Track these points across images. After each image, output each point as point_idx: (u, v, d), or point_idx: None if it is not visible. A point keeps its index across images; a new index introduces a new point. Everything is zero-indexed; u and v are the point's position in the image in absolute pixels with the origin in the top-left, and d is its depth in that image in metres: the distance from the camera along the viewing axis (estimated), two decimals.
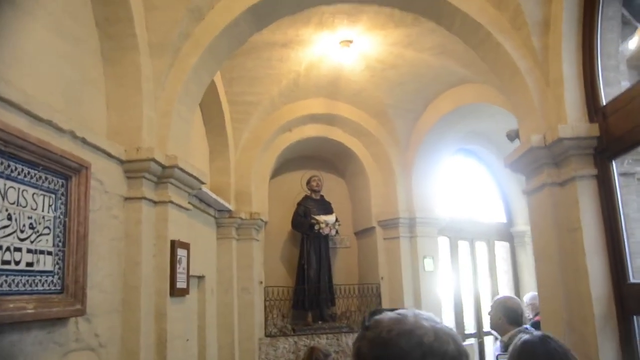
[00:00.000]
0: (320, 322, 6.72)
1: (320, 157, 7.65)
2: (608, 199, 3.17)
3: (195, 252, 4.91)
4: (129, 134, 3.41)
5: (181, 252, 3.65)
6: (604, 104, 3.26)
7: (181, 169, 3.59)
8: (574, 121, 3.32)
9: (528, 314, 6.51)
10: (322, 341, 6.28)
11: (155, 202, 3.52)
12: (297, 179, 7.39)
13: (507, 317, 3.51)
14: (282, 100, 6.43)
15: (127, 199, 3.33)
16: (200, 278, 5.24)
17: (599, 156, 3.23)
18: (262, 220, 6.21)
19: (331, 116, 6.76)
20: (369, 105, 6.69)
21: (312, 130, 6.85)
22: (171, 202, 3.57)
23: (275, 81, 6.03)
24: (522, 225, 8.72)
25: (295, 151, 7.14)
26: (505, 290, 8.76)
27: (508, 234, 8.90)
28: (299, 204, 7.11)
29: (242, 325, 5.86)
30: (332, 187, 7.60)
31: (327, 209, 7.07)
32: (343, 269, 7.50)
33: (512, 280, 8.80)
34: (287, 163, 7.48)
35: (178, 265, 3.56)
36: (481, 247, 8.44)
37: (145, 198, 3.37)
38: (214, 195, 5.19)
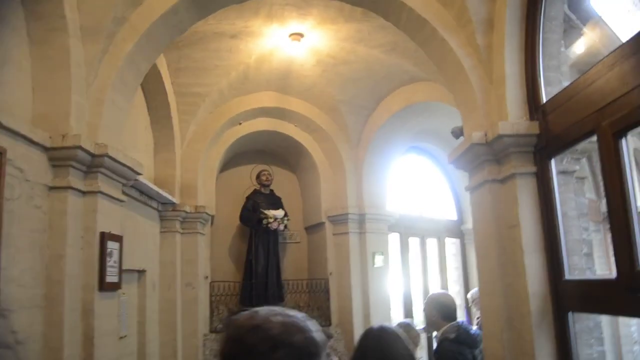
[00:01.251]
0: None
1: (271, 151, 7.54)
2: (546, 196, 3.18)
3: (134, 246, 4.77)
4: (55, 120, 3.22)
5: (112, 245, 3.48)
6: (544, 102, 3.27)
7: (112, 159, 3.42)
8: (514, 118, 3.32)
9: (475, 309, 6.61)
10: None
11: (83, 193, 3.34)
12: (247, 173, 7.26)
13: (441, 313, 3.56)
14: (232, 93, 6.29)
15: (51, 188, 3.15)
16: (141, 272, 5.06)
17: (538, 154, 3.24)
18: (207, 213, 6.05)
19: (282, 110, 6.65)
20: (320, 100, 6.62)
21: (262, 124, 6.72)
22: (101, 192, 3.39)
23: (224, 73, 5.87)
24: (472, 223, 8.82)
25: (245, 145, 7.00)
26: (455, 286, 8.87)
27: (458, 231, 9.00)
28: (247, 198, 6.98)
29: (185, 321, 5.69)
30: (282, 182, 7.50)
31: (276, 203, 6.97)
32: (292, 265, 7.42)
33: (462, 276, 8.90)
34: (237, 157, 7.34)
35: (108, 259, 3.40)
36: (432, 243, 8.50)
37: (71, 188, 3.19)
38: (155, 188, 5.01)
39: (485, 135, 3.40)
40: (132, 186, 4.54)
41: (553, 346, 3.08)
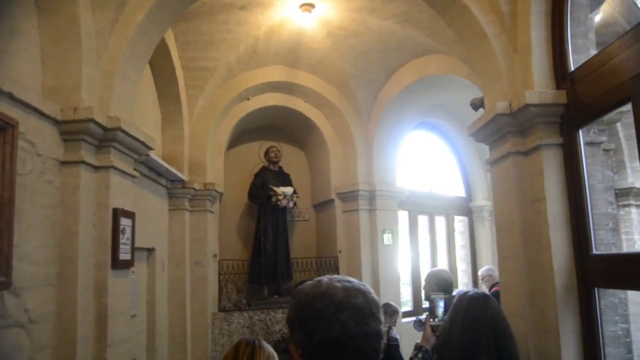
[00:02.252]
0: (276, 297, 6.56)
1: (280, 127, 7.41)
2: (573, 168, 3.07)
3: (144, 223, 4.68)
4: (66, 93, 3.10)
5: (125, 222, 3.38)
6: (572, 70, 3.14)
7: (125, 132, 3.30)
8: (540, 87, 3.20)
9: (484, 286, 6.55)
10: (277, 315, 6.12)
11: (95, 168, 3.23)
12: (255, 150, 7.15)
13: (439, 286, 3.70)
14: (240, 67, 6.13)
15: (63, 163, 3.04)
16: (150, 250, 4.98)
17: (565, 124, 3.12)
18: (216, 191, 5.95)
19: (291, 85, 6.50)
20: (330, 74, 6.46)
21: (271, 99, 6.57)
22: (113, 167, 3.28)
23: (233, 46, 5.72)
24: (481, 200, 8.76)
25: (253, 121, 6.86)
26: (462, 264, 8.84)
27: (467, 209, 8.92)
28: (256, 175, 6.87)
29: (194, 299, 5.63)
30: (291, 159, 7.38)
31: (285, 180, 6.87)
32: (301, 243, 7.34)
33: (470, 254, 8.85)
34: (245, 133, 7.21)
35: (121, 236, 3.30)
36: (440, 221, 8.43)
37: (84, 162, 3.08)
38: (165, 164, 4.90)
39: (510, 105, 3.29)
40: (141, 162, 4.43)
41: (577, 323, 3.00)
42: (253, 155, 7.13)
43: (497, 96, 3.50)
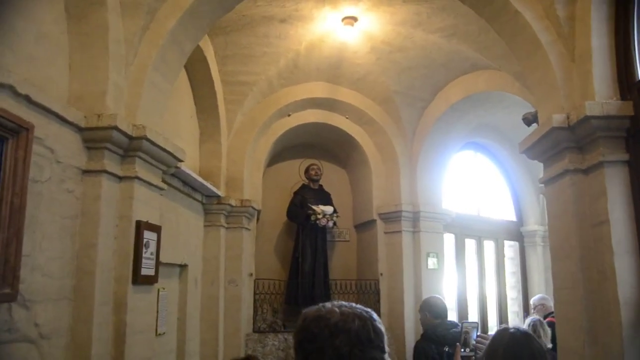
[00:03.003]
0: None
1: (321, 145, 7.21)
2: None
3: (176, 239, 4.55)
4: (91, 99, 3.00)
5: (149, 235, 3.23)
6: (639, 79, 2.80)
7: (151, 142, 3.17)
8: (602, 98, 2.86)
9: (536, 316, 6.09)
10: None
11: (120, 178, 3.11)
12: (295, 168, 6.96)
13: (431, 312, 3.76)
14: (281, 83, 6.00)
15: (85, 171, 2.92)
16: (182, 267, 4.83)
17: (631, 139, 2.78)
18: (253, 208, 5.78)
19: (333, 101, 6.31)
20: (374, 91, 6.24)
21: (312, 116, 6.40)
22: (138, 178, 3.15)
23: (273, 60, 5.59)
24: (533, 224, 8.27)
25: (293, 138, 6.70)
26: (512, 292, 8.32)
27: (518, 234, 8.43)
28: (295, 193, 6.68)
29: (228, 319, 5.44)
30: (332, 178, 7.16)
31: (325, 199, 6.64)
32: (340, 264, 7.07)
33: (521, 281, 8.33)
34: (286, 150, 7.05)
35: (144, 250, 3.15)
36: (489, 246, 7.97)
37: (106, 172, 2.95)
38: (199, 178, 4.77)
39: (568, 118, 2.96)
40: (174, 175, 4.33)
41: None
42: (293, 173, 6.95)
43: (552, 109, 3.18)
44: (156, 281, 3.37)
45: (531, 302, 6.94)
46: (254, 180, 6.07)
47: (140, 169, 3.18)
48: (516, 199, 8.53)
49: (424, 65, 5.75)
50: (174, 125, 4.81)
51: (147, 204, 3.30)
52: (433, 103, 6.22)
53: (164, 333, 4.33)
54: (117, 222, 3.07)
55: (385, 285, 6.39)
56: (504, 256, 8.17)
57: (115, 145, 3.01)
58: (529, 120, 3.68)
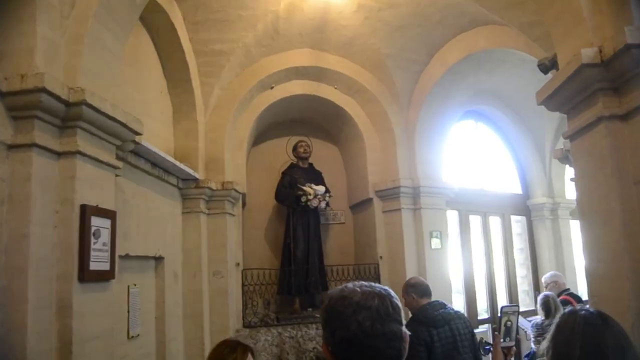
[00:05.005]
0: (310, 310, 5.76)
1: (309, 120, 6.63)
2: None
3: (148, 228, 4.01)
4: (16, 58, 2.44)
5: (99, 222, 2.67)
6: None
7: (95, 109, 2.60)
8: None
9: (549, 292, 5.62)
10: (311, 332, 5.33)
11: (58, 154, 2.55)
12: (282, 146, 6.40)
13: (416, 292, 3.59)
14: (261, 51, 5.41)
15: (11, 147, 2.36)
16: (158, 259, 4.29)
17: None
18: (236, 191, 5.21)
19: (319, 70, 5.73)
20: (363, 56, 5.66)
21: (297, 87, 5.82)
22: (80, 153, 2.58)
23: (250, 25, 5.00)
24: (541, 197, 7.77)
25: (278, 113, 6.13)
26: (522, 270, 7.84)
27: (524, 208, 7.92)
28: (283, 174, 6.13)
29: (214, 315, 4.91)
30: (322, 155, 6.60)
31: (316, 178, 6.08)
32: (336, 248, 6.54)
33: (530, 258, 7.83)
34: (271, 128, 6.49)
35: (93, 240, 2.60)
36: (495, 222, 7.46)
37: (37, 145, 2.39)
38: (170, 159, 4.21)
39: (601, 52, 2.41)
40: (140, 155, 3.78)
41: None
42: (280, 152, 6.38)
43: (577, 45, 2.62)
44: (112, 277, 2.81)
45: (542, 280, 6.48)
46: (237, 160, 5.50)
47: (83, 142, 2.62)
48: (521, 171, 8.02)
49: (418, 24, 5.18)
50: (141, 102, 4.25)
51: (96, 185, 2.74)
52: (429, 66, 5.65)
53: (137, 335, 3.80)
54: (57, 208, 2.51)
55: (386, 268, 5.87)
56: (511, 232, 7.66)
57: (48, 114, 2.45)
58: (546, 66, 3.13)
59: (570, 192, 8.17)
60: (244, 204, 5.83)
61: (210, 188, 4.95)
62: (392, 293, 1.41)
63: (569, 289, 6.43)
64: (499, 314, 3.12)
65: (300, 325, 5.38)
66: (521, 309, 7.37)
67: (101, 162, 2.80)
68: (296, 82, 5.79)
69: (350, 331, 1.32)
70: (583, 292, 6.77)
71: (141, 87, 4.29)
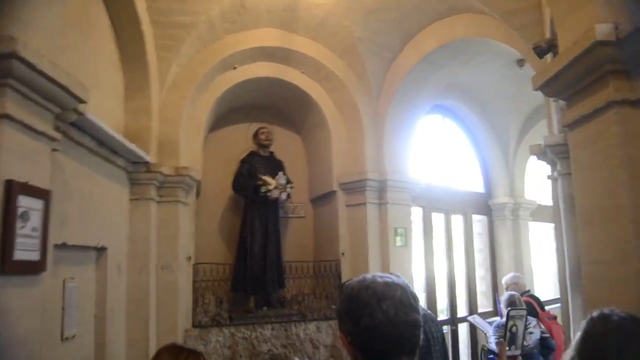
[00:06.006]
0: (265, 309, 5.39)
1: (272, 106, 6.23)
2: None
3: (90, 214, 3.53)
4: None
5: (29, 203, 2.22)
6: None
7: (29, 64, 2.15)
8: None
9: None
10: (266, 332, 4.97)
11: None
12: (243, 133, 5.99)
13: None
14: (225, 27, 4.98)
15: None
16: (100, 250, 3.82)
17: None
18: (191, 177, 4.77)
19: (287, 52, 5.35)
20: (335, 39, 5.32)
21: (262, 69, 5.42)
22: (8, 117, 2.13)
23: None
24: (503, 196, 7.69)
25: (240, 96, 5.70)
26: (480, 270, 7.72)
27: (485, 207, 7.81)
28: (242, 162, 5.71)
29: (161, 313, 4.46)
30: (285, 144, 6.22)
31: (277, 168, 5.70)
32: (295, 244, 6.17)
33: (489, 259, 7.74)
34: (232, 113, 6.05)
35: (20, 224, 2.15)
36: (457, 220, 7.30)
37: None
38: (120, 138, 3.75)
39: (617, 28, 2.15)
40: (84, 131, 3.31)
41: None
42: (240, 139, 5.97)
43: (584, 22, 2.36)
44: (43, 269, 2.36)
45: (503, 281, 6.37)
46: (193, 145, 5.06)
47: (12, 105, 2.16)
48: (485, 169, 7.90)
49: (394, 7, 4.90)
50: (88, 73, 3.72)
51: (27, 157, 2.29)
52: (403, 54, 5.38)
53: (73, 336, 3.33)
54: None
55: (348, 266, 5.55)
56: (472, 232, 7.52)
57: None
58: (542, 49, 2.88)
59: (530, 192, 8.15)
60: (198, 193, 5.39)
61: (162, 173, 4.49)
62: (409, 285, 1.47)
63: (529, 291, 6.34)
64: (503, 318, 2.84)
65: (255, 325, 5.00)
66: (479, 310, 7.35)
67: (35, 130, 2.34)
68: (261, 64, 5.39)
69: (376, 319, 1.35)
70: (540, 294, 6.70)
71: (89, 58, 3.79)
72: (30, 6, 2.34)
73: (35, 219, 2.27)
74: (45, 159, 2.46)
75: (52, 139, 2.50)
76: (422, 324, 1.41)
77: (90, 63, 3.79)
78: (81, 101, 2.63)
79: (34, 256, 2.26)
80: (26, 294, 2.26)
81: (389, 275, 1.46)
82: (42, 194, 2.34)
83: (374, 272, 1.48)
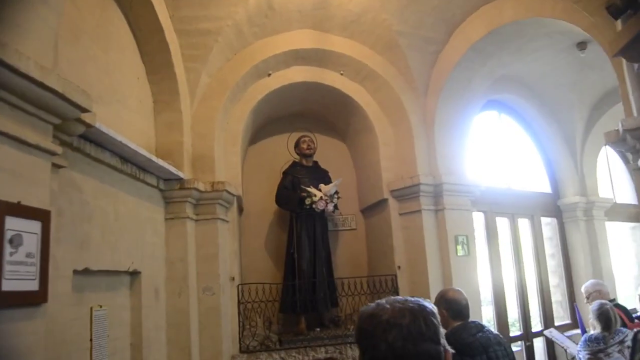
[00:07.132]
0: (317, 330, 5.01)
1: (312, 112, 5.88)
2: None
3: (117, 237, 3.27)
4: None
5: (20, 225, 1.92)
6: None
7: (11, 68, 1.88)
8: None
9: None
10: (319, 355, 4.56)
11: None
12: (284, 144, 5.67)
13: (449, 310, 3.05)
14: (253, 31, 4.70)
15: None
16: (134, 275, 3.56)
17: None
18: (229, 192, 4.47)
19: (322, 53, 5.01)
20: (373, 35, 4.93)
21: (298, 74, 5.10)
22: None
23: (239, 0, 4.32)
24: (573, 195, 7.01)
25: (277, 105, 5.40)
26: (554, 278, 7.04)
27: (554, 208, 7.13)
28: (285, 174, 5.39)
29: (204, 338, 4.16)
30: (328, 153, 5.85)
31: (322, 178, 5.34)
32: (347, 258, 5.77)
33: (562, 265, 7.04)
34: (270, 123, 5.77)
35: (10, 249, 1.86)
36: (524, 224, 6.68)
37: None
38: (145, 153, 3.47)
39: None
40: (106, 148, 3.08)
41: None
42: (282, 151, 5.66)
43: None
44: (44, 300, 2.05)
45: (583, 289, 5.66)
46: (230, 157, 4.77)
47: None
48: (550, 167, 7.24)
49: None
50: (112, 88, 3.57)
51: (20, 175, 2.01)
52: (449, 45, 4.93)
53: None
54: None
55: (405, 280, 5.09)
56: (541, 236, 6.87)
57: None
58: (617, 7, 2.38)
59: (605, 189, 7.42)
60: (240, 210, 5.08)
61: (197, 189, 4.22)
62: (429, 308, 1.32)
63: (614, 299, 5.64)
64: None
65: (307, 348, 4.60)
66: (556, 323, 6.67)
67: (28, 144, 2.06)
68: (296, 69, 5.08)
69: (381, 352, 1.25)
70: (626, 303, 5.97)
71: (111, 70, 3.59)
72: (24, 12, 2.08)
73: (30, 243, 1.98)
74: (44, 176, 2.17)
75: (51, 153, 2.22)
76: (442, 354, 1.26)
77: (112, 75, 3.59)
78: (84, 110, 2.35)
79: (31, 285, 1.97)
80: (24, 328, 1.96)
81: (405, 300, 1.33)
82: (38, 215, 2.05)
83: (394, 297, 1.34)
